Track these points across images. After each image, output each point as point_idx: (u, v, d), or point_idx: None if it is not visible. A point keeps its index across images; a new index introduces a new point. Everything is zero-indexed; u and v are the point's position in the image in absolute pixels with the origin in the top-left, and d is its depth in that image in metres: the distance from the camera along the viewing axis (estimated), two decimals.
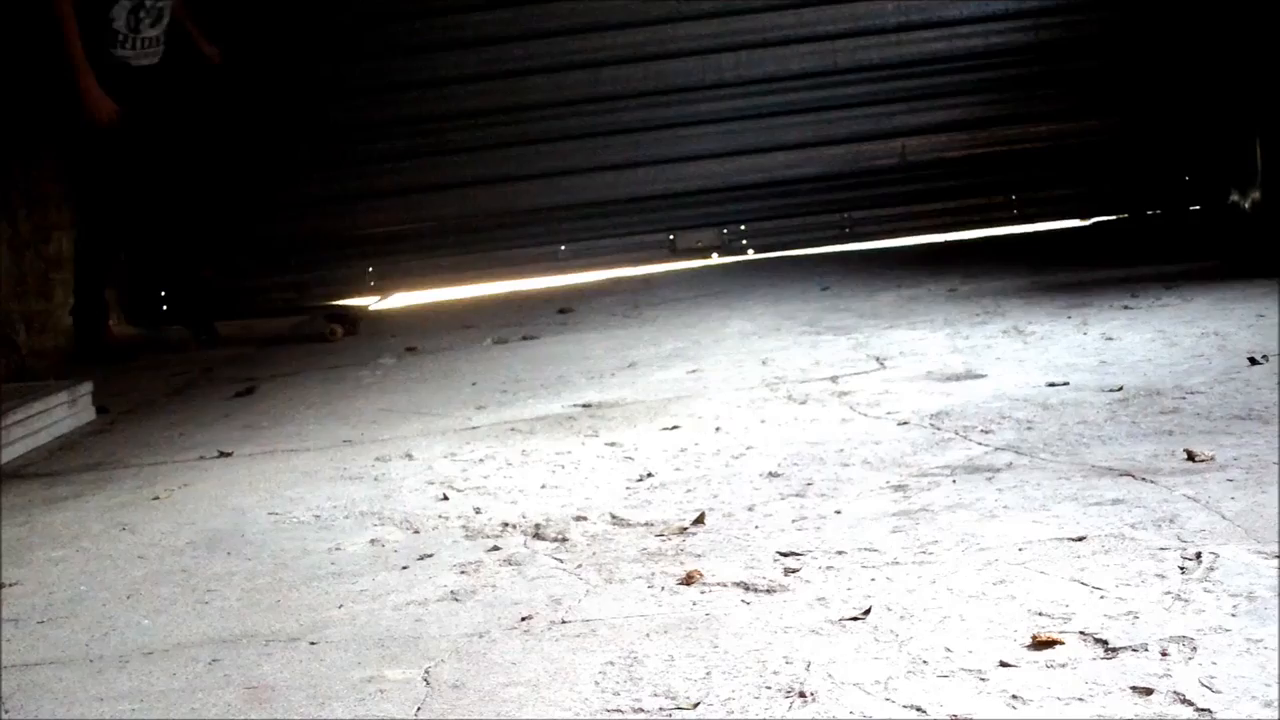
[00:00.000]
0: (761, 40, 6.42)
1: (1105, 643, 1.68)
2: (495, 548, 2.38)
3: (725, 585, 2.05)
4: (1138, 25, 6.38)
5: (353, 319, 5.55)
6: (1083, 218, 6.56)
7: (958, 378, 3.35)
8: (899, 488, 2.47)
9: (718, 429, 3.09)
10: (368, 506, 2.76)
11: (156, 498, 3.03)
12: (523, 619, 2.00)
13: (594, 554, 2.28)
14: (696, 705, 1.64)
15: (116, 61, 5.20)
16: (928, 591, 1.93)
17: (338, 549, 2.48)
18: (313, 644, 2.00)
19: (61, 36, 5.13)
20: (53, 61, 5.24)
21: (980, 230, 6.50)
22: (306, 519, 2.72)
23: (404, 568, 2.33)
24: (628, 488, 2.68)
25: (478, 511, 2.63)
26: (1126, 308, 4.02)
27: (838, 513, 2.36)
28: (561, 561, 2.27)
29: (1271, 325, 3.50)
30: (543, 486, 2.76)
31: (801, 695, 1.62)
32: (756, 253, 6.53)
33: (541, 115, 6.35)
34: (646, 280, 6.14)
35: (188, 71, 5.64)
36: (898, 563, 2.06)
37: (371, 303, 6.39)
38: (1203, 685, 1.53)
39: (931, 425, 2.90)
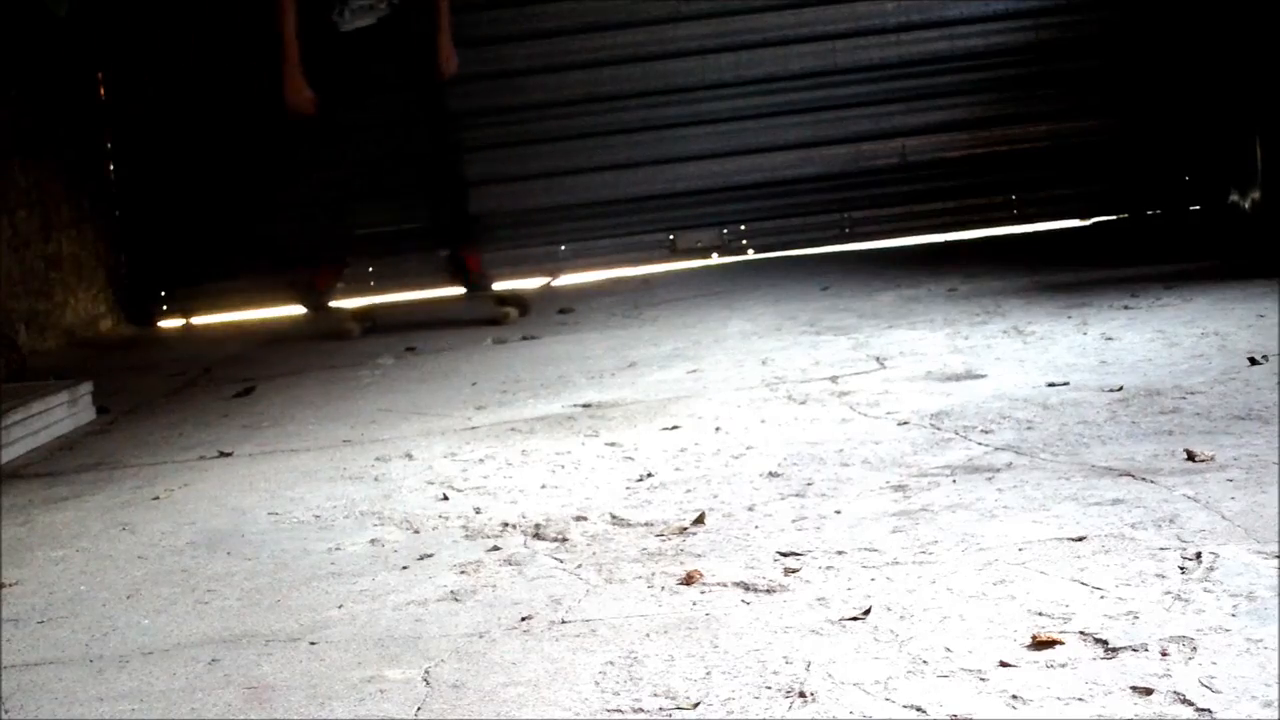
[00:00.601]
0: (761, 40, 6.42)
1: (1105, 643, 1.68)
2: (495, 548, 2.38)
3: (725, 585, 2.05)
4: (1138, 25, 6.38)
5: (524, 301, 5.40)
6: (1083, 218, 6.55)
7: (958, 378, 3.35)
8: (899, 488, 2.47)
9: (718, 429, 3.09)
10: (368, 506, 2.76)
11: (156, 498, 3.03)
12: (523, 619, 2.00)
13: (594, 554, 2.28)
14: (696, 705, 1.64)
15: (328, 26, 5.13)
16: (928, 591, 1.93)
17: (338, 549, 2.49)
18: (313, 644, 2.00)
19: (277, 14, 5.09)
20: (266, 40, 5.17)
21: (980, 230, 6.49)
22: (306, 519, 2.72)
23: (404, 568, 2.33)
24: (628, 488, 2.68)
25: (478, 511, 2.63)
26: (1126, 308, 4.02)
27: (838, 513, 2.36)
28: (561, 561, 2.27)
29: (1271, 325, 3.50)
30: (543, 486, 2.77)
31: (801, 695, 1.62)
32: (756, 253, 6.53)
33: (542, 115, 6.35)
34: (646, 280, 6.13)
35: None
36: (898, 563, 2.06)
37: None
38: (1203, 685, 1.53)
39: (931, 425, 2.90)
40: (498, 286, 5.64)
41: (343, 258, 5.67)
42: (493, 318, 5.23)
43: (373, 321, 5.45)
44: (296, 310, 6.38)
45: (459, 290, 5.62)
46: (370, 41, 5.26)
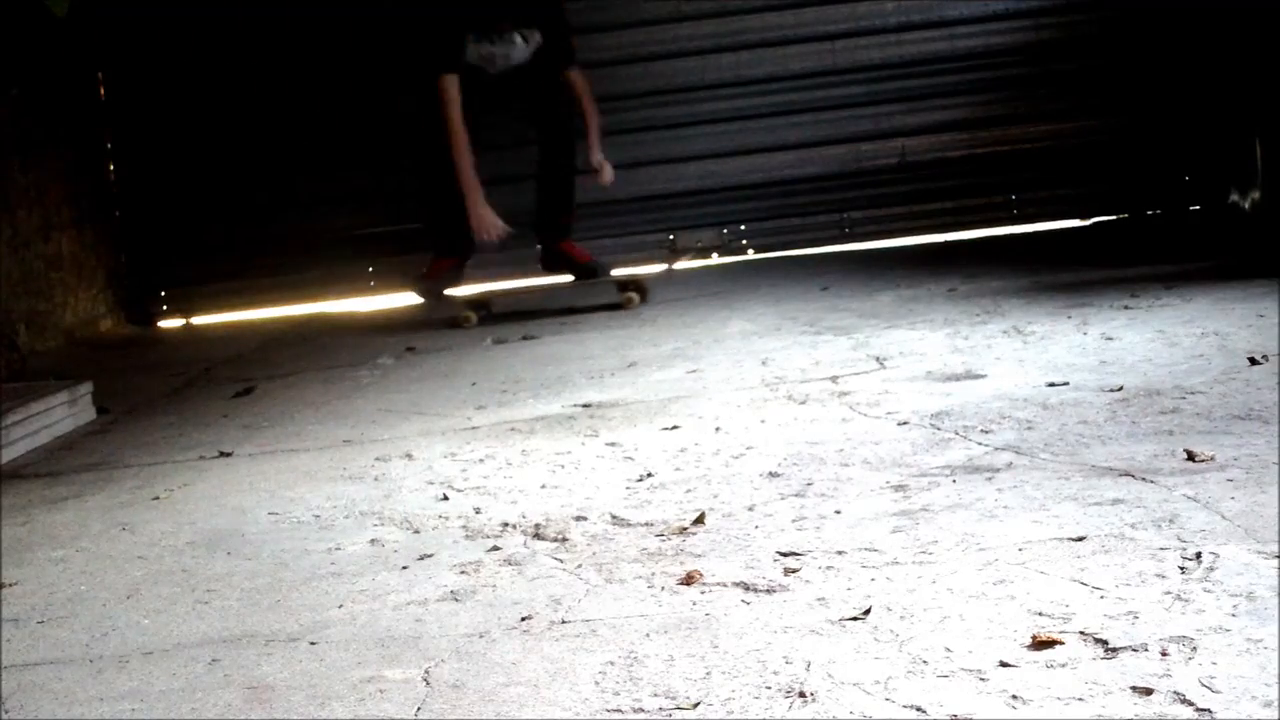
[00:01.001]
0: (761, 40, 6.42)
1: (1105, 643, 1.68)
2: (495, 548, 2.38)
3: (725, 585, 2.05)
4: (1138, 25, 6.38)
5: (644, 286, 5.42)
6: (1083, 218, 6.56)
7: (958, 378, 3.35)
8: (899, 488, 2.47)
9: (718, 429, 3.09)
10: (368, 506, 2.76)
11: (156, 498, 3.03)
12: (523, 619, 2.00)
13: (594, 554, 2.29)
14: (696, 705, 1.64)
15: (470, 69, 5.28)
16: (928, 591, 1.93)
17: (338, 549, 2.49)
18: (313, 644, 2.00)
19: (449, 150, 5.18)
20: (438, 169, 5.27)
21: (980, 230, 6.50)
22: (306, 519, 2.72)
23: (404, 568, 2.33)
24: (628, 488, 2.68)
25: (478, 511, 2.63)
26: (1126, 308, 4.02)
27: (838, 513, 2.36)
28: (561, 561, 2.27)
29: (1271, 325, 3.50)
30: (543, 486, 2.77)
31: (801, 695, 1.62)
32: (756, 253, 6.53)
33: None
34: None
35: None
36: (898, 563, 2.06)
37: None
38: (1203, 685, 1.53)
39: (931, 425, 2.90)
40: (616, 272, 5.66)
41: (458, 249, 5.62)
42: (614, 303, 5.29)
43: (487, 310, 5.46)
44: (295, 311, 6.39)
45: (567, 278, 5.60)
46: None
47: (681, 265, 6.21)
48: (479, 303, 5.49)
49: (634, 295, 5.32)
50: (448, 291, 5.63)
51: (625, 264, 6.17)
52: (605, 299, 5.39)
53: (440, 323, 5.46)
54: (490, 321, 5.30)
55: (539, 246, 5.68)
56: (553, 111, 5.49)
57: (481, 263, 5.96)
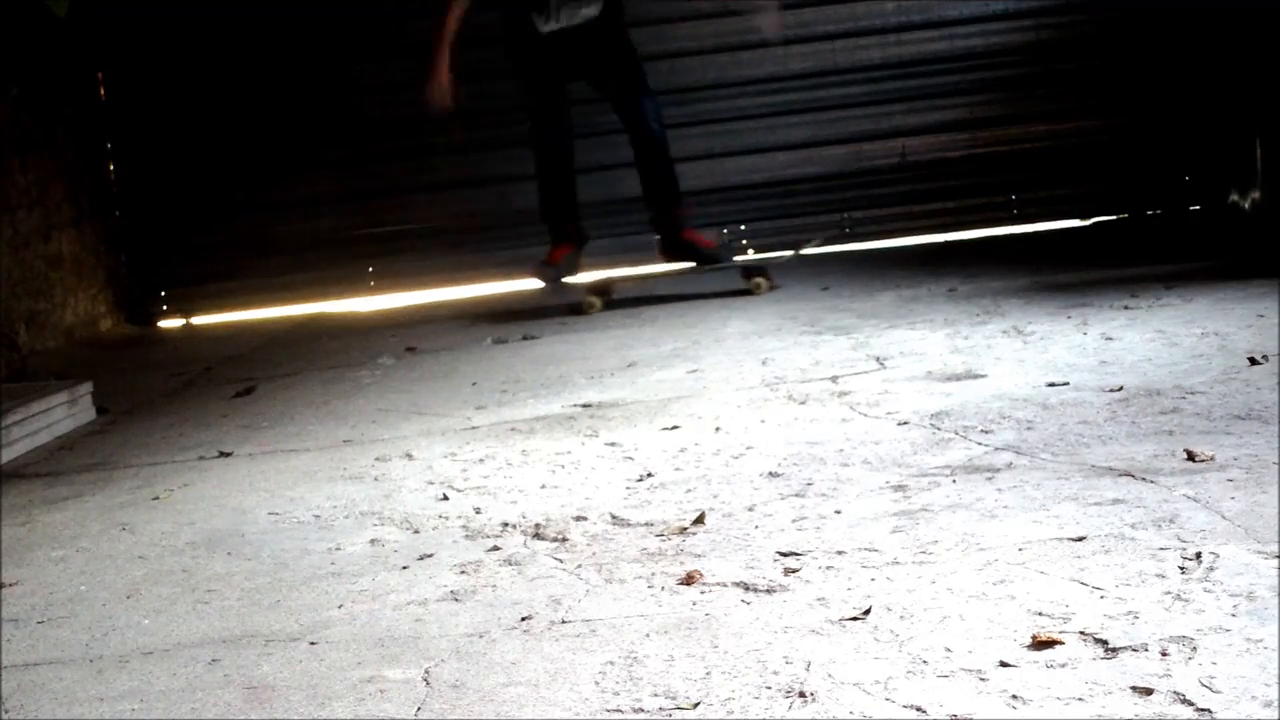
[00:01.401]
0: (761, 40, 6.41)
1: (1105, 643, 1.68)
2: (495, 548, 2.38)
3: (725, 585, 2.05)
4: (1138, 25, 6.38)
5: (768, 272, 5.39)
6: (1083, 218, 6.56)
7: (958, 378, 3.35)
8: (899, 488, 2.46)
9: (718, 429, 3.09)
10: (368, 506, 2.76)
11: (156, 498, 3.03)
12: (523, 619, 2.00)
13: (594, 554, 2.29)
14: (696, 705, 1.64)
15: (536, 30, 5.25)
16: (928, 591, 1.93)
17: (338, 549, 2.49)
18: (313, 644, 2.00)
19: (442, 16, 5.21)
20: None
21: (980, 230, 6.50)
22: (306, 519, 2.72)
23: (404, 568, 2.33)
24: (628, 488, 2.68)
25: (478, 511, 2.63)
26: (1126, 308, 4.02)
27: (838, 513, 2.36)
28: (561, 561, 2.27)
29: (1271, 325, 3.50)
30: (543, 486, 2.77)
31: (801, 695, 1.62)
32: (757, 253, 6.52)
33: None
34: (646, 280, 6.12)
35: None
36: (898, 563, 2.06)
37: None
38: (1203, 685, 1.53)
39: (931, 425, 2.89)
40: (739, 259, 5.65)
41: (578, 234, 5.54)
42: (742, 290, 5.28)
43: (608, 295, 5.42)
44: (295, 311, 6.39)
45: (686, 265, 5.53)
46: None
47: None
48: (600, 289, 5.45)
49: (761, 281, 5.29)
50: (568, 278, 5.54)
51: (619, 265, 6.14)
52: (730, 285, 5.37)
53: (439, 321, 5.46)
54: (612, 307, 5.27)
55: (657, 237, 5.58)
56: (631, 94, 5.38)
57: (600, 250, 5.90)
